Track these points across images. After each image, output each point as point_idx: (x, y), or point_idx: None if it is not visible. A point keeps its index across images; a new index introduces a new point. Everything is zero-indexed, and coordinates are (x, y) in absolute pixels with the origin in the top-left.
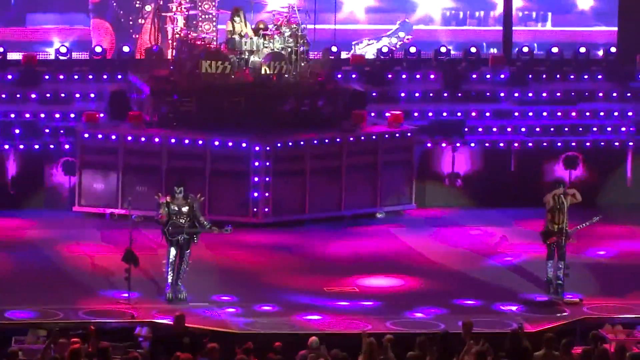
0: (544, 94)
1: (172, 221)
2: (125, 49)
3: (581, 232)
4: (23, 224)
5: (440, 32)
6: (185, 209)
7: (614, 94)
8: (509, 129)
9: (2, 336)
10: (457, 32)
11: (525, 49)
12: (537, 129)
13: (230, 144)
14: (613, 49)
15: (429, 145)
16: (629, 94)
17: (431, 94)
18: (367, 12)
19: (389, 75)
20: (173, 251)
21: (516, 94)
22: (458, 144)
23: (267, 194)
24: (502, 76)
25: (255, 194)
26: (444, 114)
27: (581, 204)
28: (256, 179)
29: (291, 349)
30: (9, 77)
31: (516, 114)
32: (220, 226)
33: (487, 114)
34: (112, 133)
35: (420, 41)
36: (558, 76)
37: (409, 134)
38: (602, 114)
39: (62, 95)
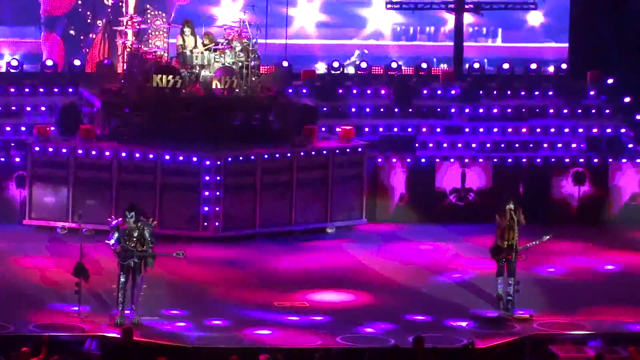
0: (495, 110)
1: (122, 245)
2: (77, 62)
3: (531, 248)
4: None
5: (390, 47)
6: (135, 233)
7: (565, 111)
8: (459, 145)
9: None
10: (407, 47)
11: (476, 65)
12: (488, 145)
13: (181, 158)
14: (564, 66)
15: (379, 160)
16: (579, 111)
17: (382, 109)
18: (318, 27)
19: (340, 91)
20: (123, 276)
21: (467, 110)
22: (409, 159)
23: (217, 208)
24: (453, 92)
25: (206, 208)
26: (395, 129)
27: (531, 220)
28: (207, 193)
29: None
30: None
31: (467, 129)
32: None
33: (438, 130)
34: (63, 146)
35: (370, 56)
36: (509, 92)
37: (359, 149)
38: (553, 130)
39: (13, 108)
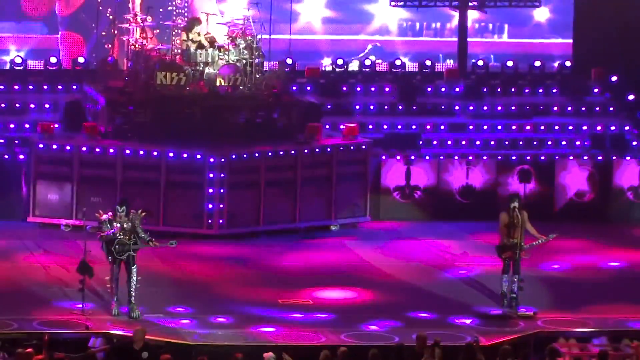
0: (499, 108)
1: (117, 239)
2: (81, 59)
3: (536, 246)
4: None
5: (396, 42)
6: (127, 225)
7: (569, 108)
8: (463, 142)
9: None
10: (413, 42)
11: (480, 63)
12: (492, 143)
13: (185, 155)
14: (568, 63)
15: (383, 158)
16: (583, 108)
17: (386, 107)
18: (324, 22)
19: (344, 88)
20: (117, 268)
21: (471, 108)
22: (413, 157)
23: (221, 206)
24: (457, 89)
25: (210, 206)
26: (399, 126)
27: (536, 218)
28: (211, 190)
29: None
30: None
31: (471, 127)
32: (163, 238)
33: (442, 127)
34: (66, 144)
35: (376, 52)
36: (513, 90)
37: (363, 147)
38: (556, 127)
39: (17, 105)
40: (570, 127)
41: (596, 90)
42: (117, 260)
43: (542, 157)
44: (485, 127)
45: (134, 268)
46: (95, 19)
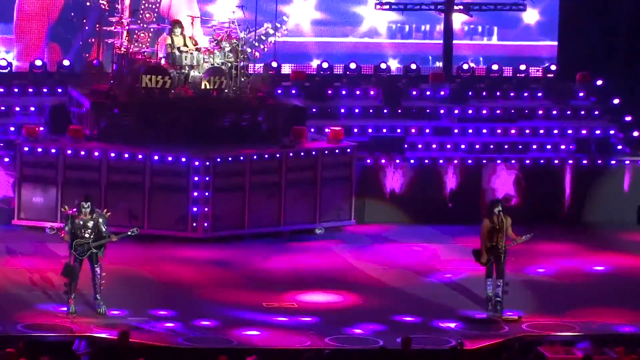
0: (484, 111)
1: (76, 241)
2: (66, 62)
3: (521, 250)
4: None
5: (385, 45)
6: (90, 223)
7: (554, 112)
8: (448, 146)
9: None
10: (402, 45)
11: (466, 66)
12: (477, 146)
13: (169, 158)
14: (553, 67)
15: (368, 161)
16: (568, 112)
17: (371, 110)
18: (313, 24)
19: (329, 91)
20: (78, 267)
21: (456, 111)
22: (398, 161)
23: (206, 209)
24: (442, 93)
25: (195, 209)
26: (384, 130)
27: (520, 222)
28: (195, 193)
29: None
30: None
31: (456, 130)
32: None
33: (427, 131)
34: (52, 147)
35: (365, 54)
36: (498, 93)
37: (348, 150)
38: (542, 131)
39: (2, 108)
40: (555, 131)
41: (581, 94)
42: (78, 260)
43: (527, 161)
44: (470, 130)
45: (97, 266)
46: (66, 26)
